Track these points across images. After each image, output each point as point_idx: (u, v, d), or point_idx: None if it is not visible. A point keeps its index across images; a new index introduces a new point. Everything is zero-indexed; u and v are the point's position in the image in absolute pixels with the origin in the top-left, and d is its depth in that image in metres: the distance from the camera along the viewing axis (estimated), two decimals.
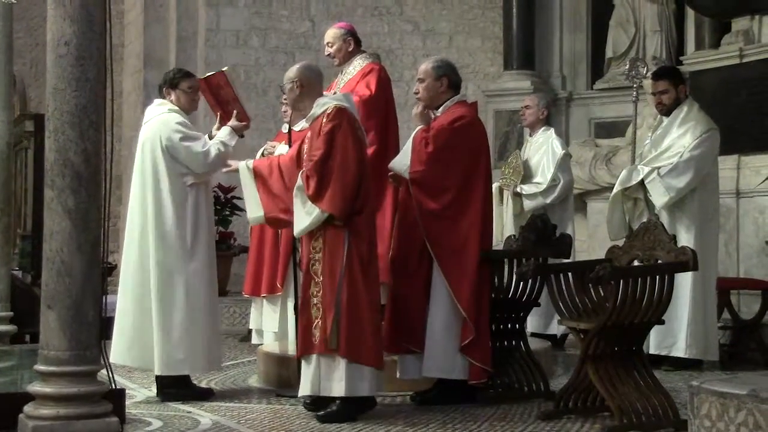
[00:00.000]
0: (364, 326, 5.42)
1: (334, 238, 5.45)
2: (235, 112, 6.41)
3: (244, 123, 6.46)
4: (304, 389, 5.52)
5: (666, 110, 7.16)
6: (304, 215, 5.51)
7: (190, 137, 6.20)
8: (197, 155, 6.17)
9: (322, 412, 5.41)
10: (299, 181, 5.53)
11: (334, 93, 6.84)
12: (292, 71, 5.93)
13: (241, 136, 6.52)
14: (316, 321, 5.45)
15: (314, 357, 5.46)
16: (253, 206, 5.92)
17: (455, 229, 5.83)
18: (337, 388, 5.37)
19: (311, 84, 5.83)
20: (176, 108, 6.28)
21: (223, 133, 6.33)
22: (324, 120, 5.58)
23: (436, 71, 6.05)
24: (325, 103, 5.67)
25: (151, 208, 6.11)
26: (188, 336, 6.02)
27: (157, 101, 6.39)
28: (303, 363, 5.54)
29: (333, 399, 5.40)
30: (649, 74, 7.67)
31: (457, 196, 5.86)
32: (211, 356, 6.18)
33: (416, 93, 6.16)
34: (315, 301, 5.47)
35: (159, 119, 6.24)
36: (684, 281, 6.53)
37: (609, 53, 10.51)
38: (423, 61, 6.57)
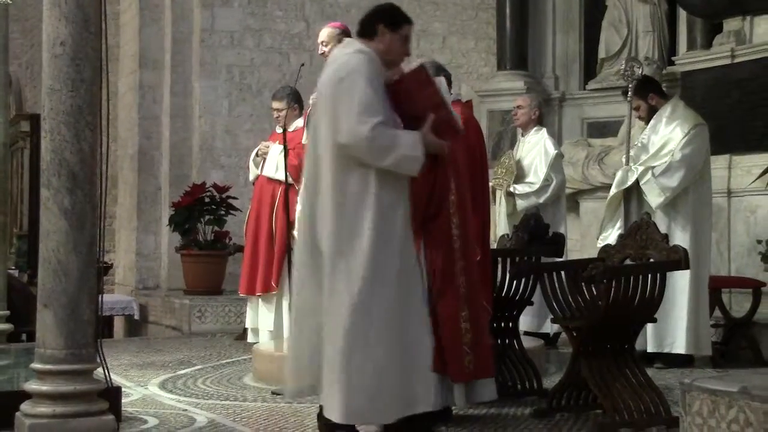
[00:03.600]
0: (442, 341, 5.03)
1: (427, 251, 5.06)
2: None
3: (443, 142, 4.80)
4: None
5: (646, 120, 7.35)
6: None
7: (368, 94, 4.60)
8: (354, 120, 4.54)
9: None
10: None
11: None
12: None
13: None
14: None
15: None
16: None
17: None
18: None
19: None
20: (374, 55, 4.79)
21: (414, 134, 4.66)
22: None
23: None
24: None
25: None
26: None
27: (349, 41, 4.99)
28: None
29: None
30: (642, 74, 7.76)
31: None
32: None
33: None
34: None
35: (344, 58, 4.81)
36: (681, 279, 6.56)
37: (601, 54, 10.53)
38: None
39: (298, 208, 6.85)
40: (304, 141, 7.15)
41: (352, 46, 4.87)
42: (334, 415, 4.50)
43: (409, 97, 4.77)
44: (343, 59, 4.79)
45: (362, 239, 4.54)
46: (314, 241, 4.69)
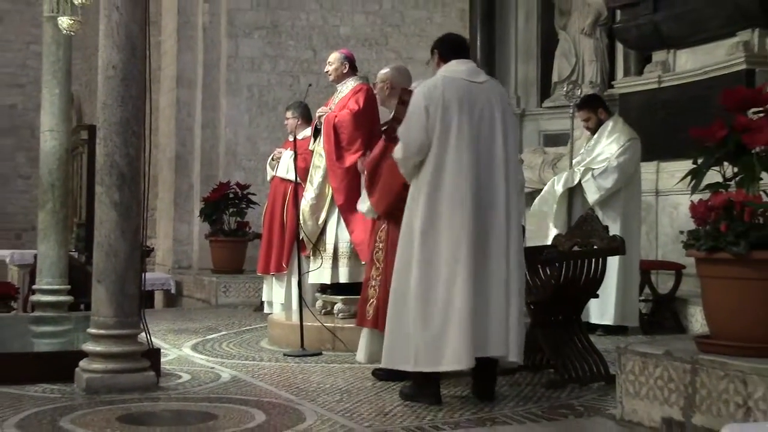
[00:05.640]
0: None
1: (392, 232, 5.07)
2: None
3: None
4: (360, 357, 5.33)
5: (592, 130, 7.35)
6: (365, 201, 5.32)
7: None
8: None
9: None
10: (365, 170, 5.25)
11: (330, 108, 6.84)
12: (384, 72, 5.51)
13: None
14: (372, 300, 5.17)
15: (368, 330, 5.23)
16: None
17: None
18: None
19: (399, 85, 5.45)
20: None
21: None
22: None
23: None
24: None
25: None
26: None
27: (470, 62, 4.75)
28: (362, 333, 5.31)
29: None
30: (581, 94, 7.86)
31: None
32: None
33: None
34: (373, 283, 5.19)
35: (496, 84, 4.87)
36: (614, 264, 6.56)
37: (555, 78, 10.51)
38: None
39: (303, 201, 6.84)
40: (310, 147, 7.12)
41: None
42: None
43: None
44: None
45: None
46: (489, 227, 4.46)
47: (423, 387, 4.55)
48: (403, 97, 4.95)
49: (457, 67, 4.66)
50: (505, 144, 4.56)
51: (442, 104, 4.49)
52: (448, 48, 4.77)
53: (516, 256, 4.50)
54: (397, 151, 4.59)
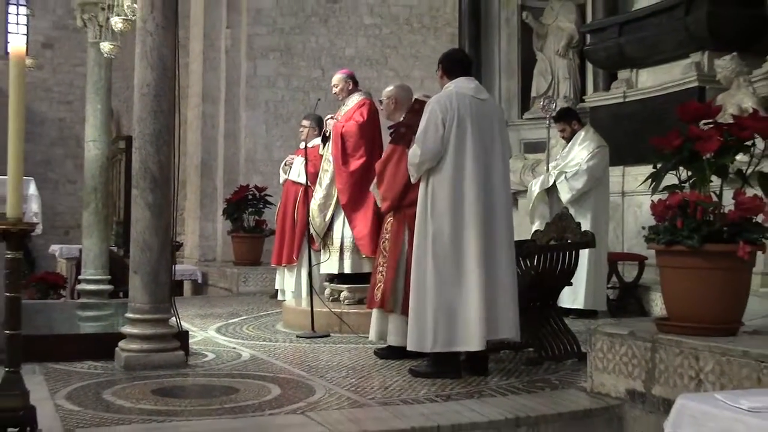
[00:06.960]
0: None
1: (397, 225, 5.10)
2: None
3: None
4: (371, 336, 5.28)
5: (567, 139, 7.38)
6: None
7: None
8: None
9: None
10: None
11: (337, 119, 6.84)
12: (389, 90, 5.51)
13: None
14: (379, 284, 5.15)
15: (377, 312, 5.18)
16: None
17: None
18: (399, 341, 4.89)
19: (403, 101, 5.46)
20: None
21: None
22: None
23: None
24: None
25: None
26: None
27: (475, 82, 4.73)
28: (372, 315, 5.26)
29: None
30: (556, 107, 7.89)
31: None
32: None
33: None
34: (381, 269, 5.17)
35: (495, 102, 4.95)
36: (586, 256, 6.57)
37: (533, 93, 10.51)
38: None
39: (313, 201, 6.83)
40: (320, 152, 7.12)
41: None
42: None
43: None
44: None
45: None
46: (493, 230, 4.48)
47: (444, 364, 4.54)
48: (414, 105, 4.94)
49: (465, 84, 4.62)
50: (503, 156, 4.59)
51: (457, 117, 4.48)
52: (455, 64, 4.69)
53: (511, 254, 4.58)
54: (414, 157, 4.54)
